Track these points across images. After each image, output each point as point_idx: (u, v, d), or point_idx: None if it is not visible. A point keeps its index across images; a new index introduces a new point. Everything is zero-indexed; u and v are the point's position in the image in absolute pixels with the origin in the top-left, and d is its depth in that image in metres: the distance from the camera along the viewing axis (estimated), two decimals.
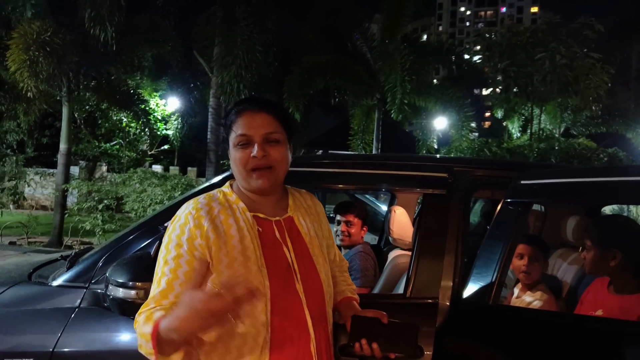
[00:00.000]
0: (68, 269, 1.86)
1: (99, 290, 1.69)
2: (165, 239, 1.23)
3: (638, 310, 1.62)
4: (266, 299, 1.18)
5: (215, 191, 1.33)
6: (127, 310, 1.48)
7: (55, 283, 1.80)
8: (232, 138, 1.28)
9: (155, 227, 1.82)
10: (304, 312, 1.23)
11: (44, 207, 17.02)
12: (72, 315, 1.65)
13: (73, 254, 2.11)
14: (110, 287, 1.50)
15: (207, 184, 1.99)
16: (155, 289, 1.18)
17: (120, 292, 1.47)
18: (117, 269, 1.51)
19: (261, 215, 1.28)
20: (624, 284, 1.70)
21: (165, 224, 1.78)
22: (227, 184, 1.36)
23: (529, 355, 1.41)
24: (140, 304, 1.46)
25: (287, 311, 1.20)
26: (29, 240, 10.37)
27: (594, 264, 1.75)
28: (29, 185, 13.77)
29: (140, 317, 1.13)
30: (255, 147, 1.24)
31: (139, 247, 1.79)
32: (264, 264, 1.21)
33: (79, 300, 1.70)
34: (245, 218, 1.25)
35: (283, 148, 1.28)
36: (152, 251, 1.70)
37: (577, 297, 1.96)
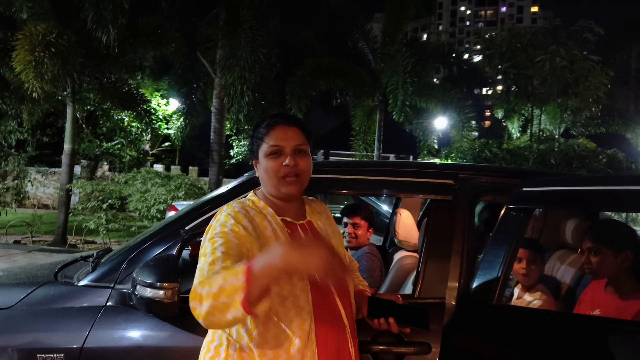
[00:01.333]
0: (93, 269, 1.95)
1: (125, 290, 1.78)
2: (206, 236, 1.28)
3: (633, 310, 1.72)
4: (308, 290, 1.29)
5: (243, 199, 1.45)
6: (155, 309, 1.58)
7: (81, 283, 1.89)
8: (264, 149, 1.39)
9: (175, 230, 1.90)
10: (337, 304, 1.35)
11: (45, 206, 17.10)
12: (100, 314, 1.75)
13: (95, 255, 2.20)
14: (139, 287, 1.59)
15: (223, 189, 2.08)
16: (211, 260, 1.18)
17: (149, 292, 1.56)
18: (144, 270, 1.60)
19: (288, 219, 1.41)
20: (622, 285, 1.79)
21: (187, 227, 1.89)
22: (252, 192, 1.47)
23: (530, 351, 1.51)
24: (167, 304, 1.56)
25: (324, 303, 1.32)
26: (33, 239, 10.45)
27: (603, 266, 1.79)
28: (32, 185, 13.85)
29: (204, 285, 1.11)
30: (288, 157, 1.36)
31: (160, 250, 1.87)
32: None
33: (105, 299, 1.79)
34: (277, 221, 1.38)
35: (309, 159, 1.41)
36: (175, 251, 1.80)
37: (576, 297, 2.05)
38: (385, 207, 7.16)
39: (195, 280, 1.17)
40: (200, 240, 1.37)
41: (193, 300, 1.12)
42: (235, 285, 1.06)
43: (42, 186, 16.53)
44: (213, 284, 1.09)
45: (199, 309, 1.10)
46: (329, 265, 1.05)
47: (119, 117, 17.12)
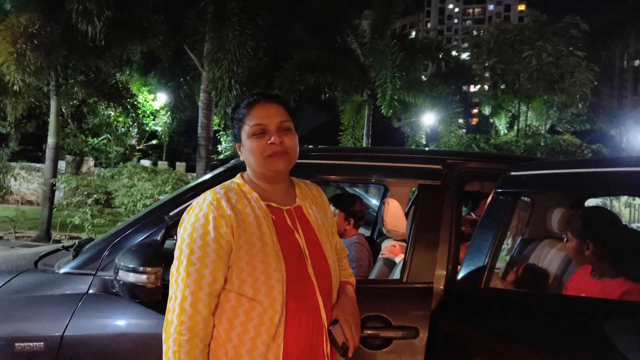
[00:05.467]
0: (74, 257, 1.90)
1: (107, 277, 1.73)
2: (188, 228, 1.26)
3: (616, 294, 1.73)
4: (283, 281, 1.25)
5: (228, 182, 1.39)
6: (138, 294, 1.54)
7: (62, 270, 1.84)
8: (246, 129, 1.33)
9: (160, 216, 1.86)
10: (315, 294, 1.31)
11: (29, 202, 16.82)
12: (81, 301, 1.70)
13: (77, 243, 2.14)
14: (121, 272, 1.54)
15: (209, 175, 2.04)
16: (185, 277, 1.22)
17: (131, 277, 1.52)
18: (126, 255, 1.56)
19: (274, 204, 1.35)
20: (602, 271, 1.81)
21: (171, 213, 1.85)
22: (238, 175, 1.42)
23: (519, 334, 1.50)
24: (151, 289, 1.52)
25: (301, 293, 1.28)
26: (17, 235, 10.27)
27: (573, 253, 1.87)
28: (15, 180, 13.60)
29: (174, 336, 1.20)
30: (273, 135, 1.31)
31: (144, 236, 1.83)
32: (280, 249, 1.28)
33: (87, 287, 1.74)
34: (260, 207, 1.32)
35: (294, 135, 1.36)
36: (159, 237, 1.75)
37: (562, 284, 2.06)
38: (374, 202, 7.15)
39: (177, 293, 1.23)
40: None
41: (171, 314, 1.23)
42: None
43: (26, 182, 16.27)
44: (169, 337, 1.21)
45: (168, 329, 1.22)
46: None
47: (106, 112, 16.86)
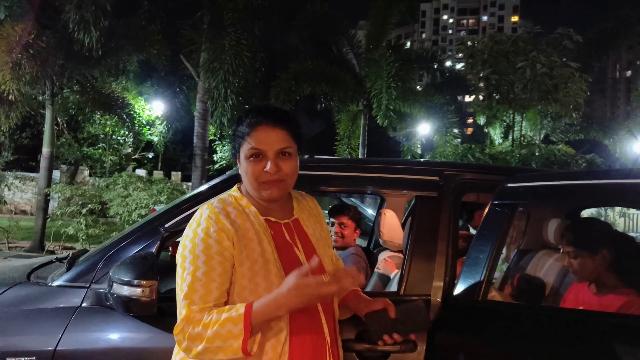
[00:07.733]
0: (68, 269, 1.88)
1: (101, 290, 1.71)
2: (187, 244, 1.23)
3: (615, 307, 1.72)
4: None
5: (226, 195, 1.36)
6: (132, 308, 1.52)
7: (55, 283, 1.82)
8: (245, 149, 1.29)
9: (155, 228, 1.85)
10: (317, 309, 1.29)
11: (23, 212, 16.69)
12: (74, 315, 1.68)
13: (70, 255, 2.12)
14: (115, 285, 1.53)
15: (205, 186, 2.03)
16: (190, 294, 1.17)
17: (126, 290, 1.50)
18: (121, 267, 1.54)
19: (272, 219, 1.33)
20: (604, 283, 1.79)
21: (166, 225, 1.83)
22: (236, 187, 1.39)
23: (517, 347, 1.49)
24: (145, 302, 1.51)
25: (303, 309, 1.25)
26: (10, 245, 10.16)
27: (585, 268, 1.77)
28: (9, 189, 13.49)
29: (191, 327, 1.14)
30: (269, 163, 1.26)
31: (138, 249, 1.81)
32: (282, 266, 1.26)
33: (80, 300, 1.72)
34: (259, 222, 1.30)
35: (294, 161, 1.31)
36: (154, 249, 1.74)
37: (560, 297, 2.05)
38: (370, 211, 7.15)
39: (181, 310, 1.18)
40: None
41: (180, 335, 1.16)
42: (232, 332, 1.11)
43: (20, 191, 16.12)
44: (207, 328, 1.12)
45: (191, 347, 1.15)
46: (323, 294, 1.13)
47: (102, 122, 16.82)
